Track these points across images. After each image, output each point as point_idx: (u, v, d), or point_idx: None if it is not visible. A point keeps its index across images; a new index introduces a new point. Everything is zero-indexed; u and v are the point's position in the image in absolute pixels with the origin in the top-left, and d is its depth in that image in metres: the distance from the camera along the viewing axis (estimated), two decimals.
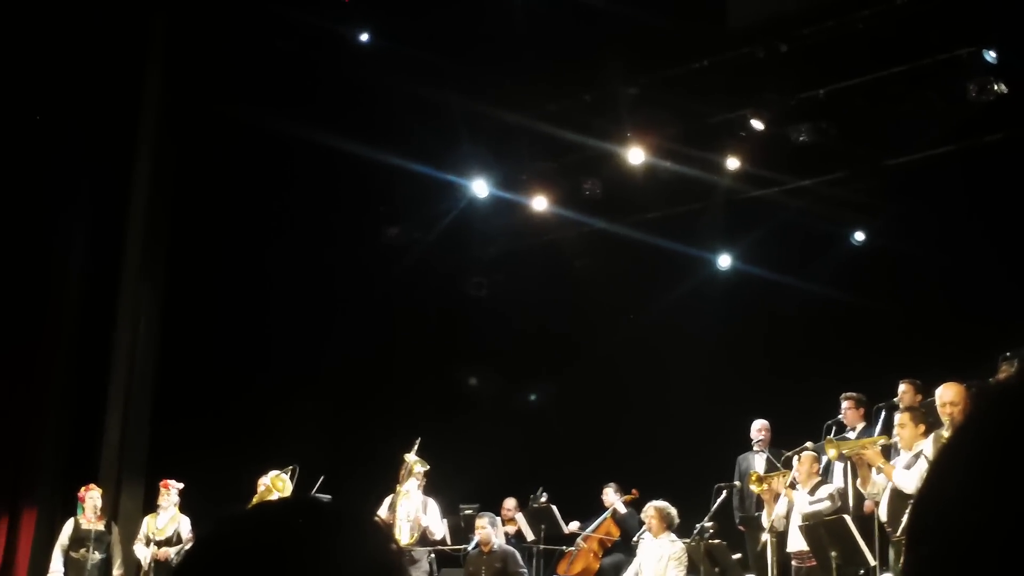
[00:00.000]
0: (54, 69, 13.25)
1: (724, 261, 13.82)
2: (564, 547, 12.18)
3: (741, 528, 10.92)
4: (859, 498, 9.13)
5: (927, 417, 8.08)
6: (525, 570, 10.91)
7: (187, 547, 1.93)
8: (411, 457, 10.77)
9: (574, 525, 12.28)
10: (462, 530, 12.02)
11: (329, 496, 10.98)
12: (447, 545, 11.59)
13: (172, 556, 10.86)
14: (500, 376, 14.39)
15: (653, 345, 13.59)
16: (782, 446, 10.38)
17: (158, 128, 13.72)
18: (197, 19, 13.73)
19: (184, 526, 11.19)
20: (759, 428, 11.09)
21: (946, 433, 7.57)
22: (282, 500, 1.62)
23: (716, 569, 9.45)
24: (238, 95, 13.25)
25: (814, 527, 8.54)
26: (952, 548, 0.80)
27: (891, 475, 7.90)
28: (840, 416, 10.02)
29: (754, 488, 9.71)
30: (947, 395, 7.66)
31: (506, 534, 11.98)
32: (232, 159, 13.63)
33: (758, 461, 10.83)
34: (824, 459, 9.32)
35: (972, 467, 0.82)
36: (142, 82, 13.77)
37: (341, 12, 13.52)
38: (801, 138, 11.73)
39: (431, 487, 11.06)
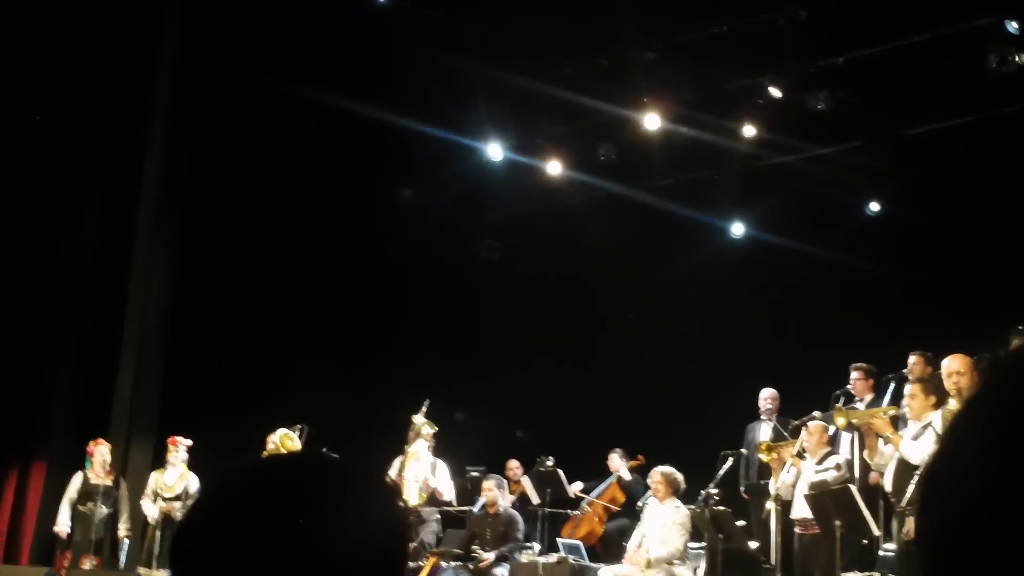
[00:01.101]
0: (71, 27, 13.20)
1: (738, 229, 13.80)
2: (569, 511, 12.24)
3: (745, 496, 10.95)
4: (865, 468, 9.14)
5: (938, 389, 8.06)
6: (523, 537, 10.92)
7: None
8: (419, 419, 10.81)
9: (577, 486, 12.32)
10: (468, 492, 12.08)
11: (336, 454, 11.05)
12: (452, 506, 11.66)
13: (179, 512, 10.92)
14: (510, 340, 14.41)
15: (664, 311, 13.59)
16: (790, 415, 10.38)
17: (173, 90, 13.70)
18: None
19: (193, 483, 11.23)
20: (767, 397, 11.10)
21: (953, 403, 7.57)
22: (290, 455, 1.62)
23: (720, 535, 9.48)
24: (253, 59, 13.20)
25: (819, 496, 8.56)
26: (965, 516, 0.80)
27: (899, 445, 7.89)
28: (849, 386, 10.01)
29: (763, 457, 9.72)
30: (953, 365, 7.65)
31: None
32: (246, 121, 13.59)
33: (765, 430, 10.85)
34: (832, 429, 9.33)
35: (987, 435, 0.82)
36: (157, 44, 13.72)
37: None
38: (819, 106, 11.64)
39: (439, 448, 11.11)
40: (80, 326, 13.45)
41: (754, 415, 11.18)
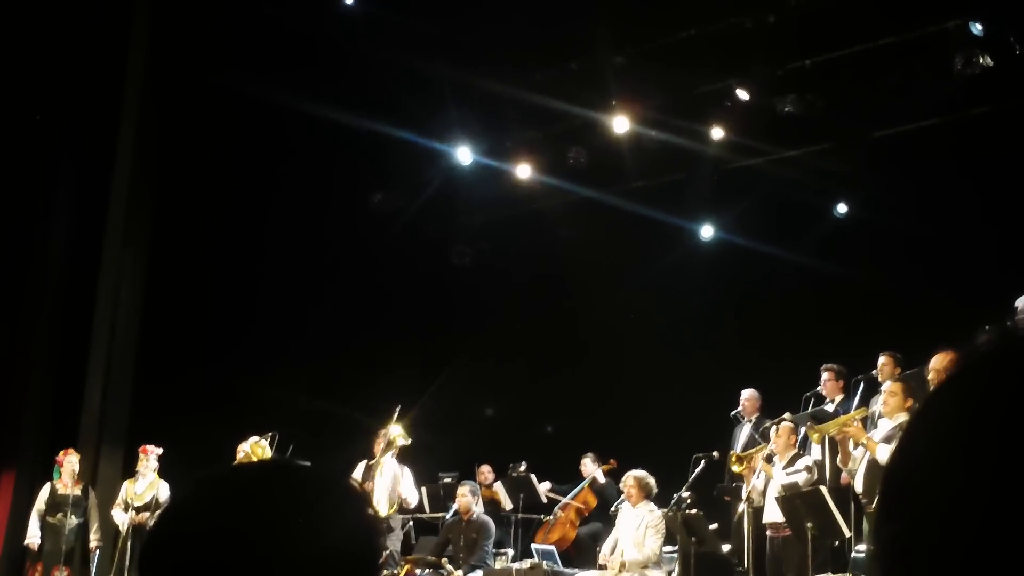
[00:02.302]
0: (38, 32, 13.10)
1: (707, 231, 13.83)
2: (542, 516, 12.21)
3: (727, 498, 10.89)
4: (836, 470, 9.16)
5: (915, 392, 8.05)
6: (489, 547, 10.86)
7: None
8: (396, 429, 10.64)
9: (545, 486, 12.28)
10: (441, 498, 12.03)
11: (308, 462, 10.99)
12: (424, 512, 11.59)
13: (150, 521, 10.85)
14: (483, 344, 14.38)
15: (635, 314, 13.60)
16: (765, 416, 10.42)
17: (142, 93, 13.63)
18: None
19: (163, 492, 11.16)
20: (745, 398, 11.07)
21: None
22: (260, 463, 1.61)
23: (693, 539, 9.49)
24: (223, 62, 13.14)
25: (790, 499, 8.57)
26: (923, 519, 0.76)
27: (875, 451, 7.84)
28: (819, 387, 10.04)
29: (735, 468, 9.74)
30: (938, 362, 7.62)
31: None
32: (217, 126, 13.53)
33: (744, 432, 10.83)
34: (802, 431, 9.33)
35: (940, 433, 0.79)
36: (127, 47, 13.65)
37: None
38: (787, 109, 11.69)
39: (410, 455, 11.04)
40: (49, 335, 13.34)
41: (727, 417, 11.19)
